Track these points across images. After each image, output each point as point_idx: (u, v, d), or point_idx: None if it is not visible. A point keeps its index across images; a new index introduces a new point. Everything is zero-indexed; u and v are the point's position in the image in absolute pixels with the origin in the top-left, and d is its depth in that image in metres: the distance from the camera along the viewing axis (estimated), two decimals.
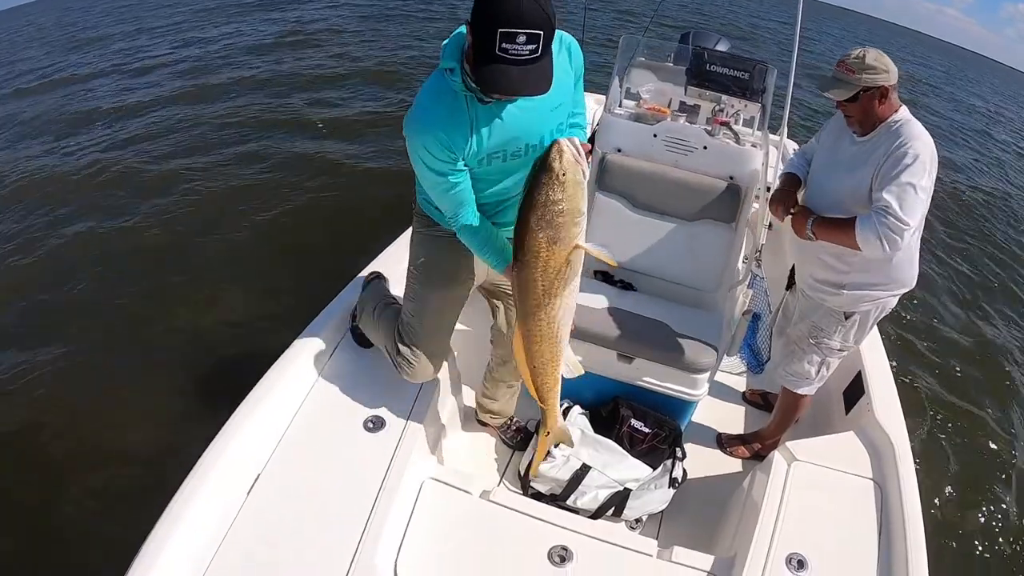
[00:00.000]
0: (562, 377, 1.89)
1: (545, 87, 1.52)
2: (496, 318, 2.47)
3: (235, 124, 8.93)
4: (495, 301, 2.43)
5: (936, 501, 3.61)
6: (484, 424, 2.82)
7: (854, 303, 2.40)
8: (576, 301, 1.77)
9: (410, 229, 2.28)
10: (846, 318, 2.45)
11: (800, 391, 2.67)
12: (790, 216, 2.39)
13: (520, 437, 2.79)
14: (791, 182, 2.56)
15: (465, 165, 1.77)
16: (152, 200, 6.66)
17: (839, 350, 2.56)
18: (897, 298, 2.43)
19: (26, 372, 4.26)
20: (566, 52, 1.77)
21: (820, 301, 2.48)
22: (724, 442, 2.94)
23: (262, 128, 8.78)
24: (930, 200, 2.13)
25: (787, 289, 2.77)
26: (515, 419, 2.84)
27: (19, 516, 3.29)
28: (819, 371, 2.60)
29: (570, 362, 1.91)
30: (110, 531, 2.55)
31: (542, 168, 1.51)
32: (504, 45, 1.42)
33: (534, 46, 1.43)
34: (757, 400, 3.33)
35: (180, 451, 2.15)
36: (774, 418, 2.87)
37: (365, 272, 2.83)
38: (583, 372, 1.93)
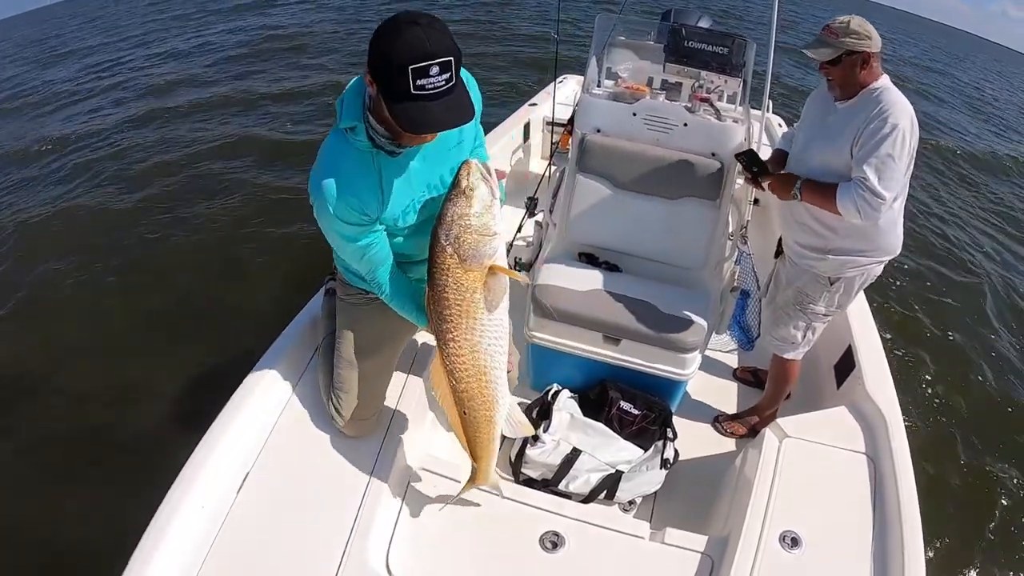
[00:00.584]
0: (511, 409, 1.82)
1: (470, 114, 1.48)
2: None
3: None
4: None
5: (930, 473, 3.60)
6: None
7: (838, 268, 2.43)
8: (506, 338, 1.71)
9: None
10: (831, 283, 2.48)
11: (787, 356, 2.68)
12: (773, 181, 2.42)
13: (499, 445, 2.71)
14: (779, 157, 2.64)
15: (380, 224, 1.74)
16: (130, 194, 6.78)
17: (824, 315, 2.57)
18: (882, 265, 2.46)
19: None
20: (469, 83, 1.70)
21: (806, 267, 2.50)
22: (720, 422, 2.93)
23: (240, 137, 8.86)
24: (912, 166, 2.16)
25: (775, 257, 2.79)
26: None
27: (4, 529, 3.27)
28: (805, 335, 2.62)
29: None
30: (99, 538, 2.53)
31: (451, 185, 1.55)
32: (419, 82, 1.37)
33: (448, 75, 1.39)
34: (748, 377, 3.32)
35: (167, 454, 2.12)
36: (767, 390, 2.88)
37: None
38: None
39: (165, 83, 12.40)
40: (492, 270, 1.58)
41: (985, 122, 14.98)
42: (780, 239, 2.71)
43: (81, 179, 7.93)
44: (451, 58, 1.38)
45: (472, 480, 1.93)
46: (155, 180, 7.53)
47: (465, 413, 1.68)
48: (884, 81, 2.23)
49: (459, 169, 1.54)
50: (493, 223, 1.55)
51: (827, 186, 2.23)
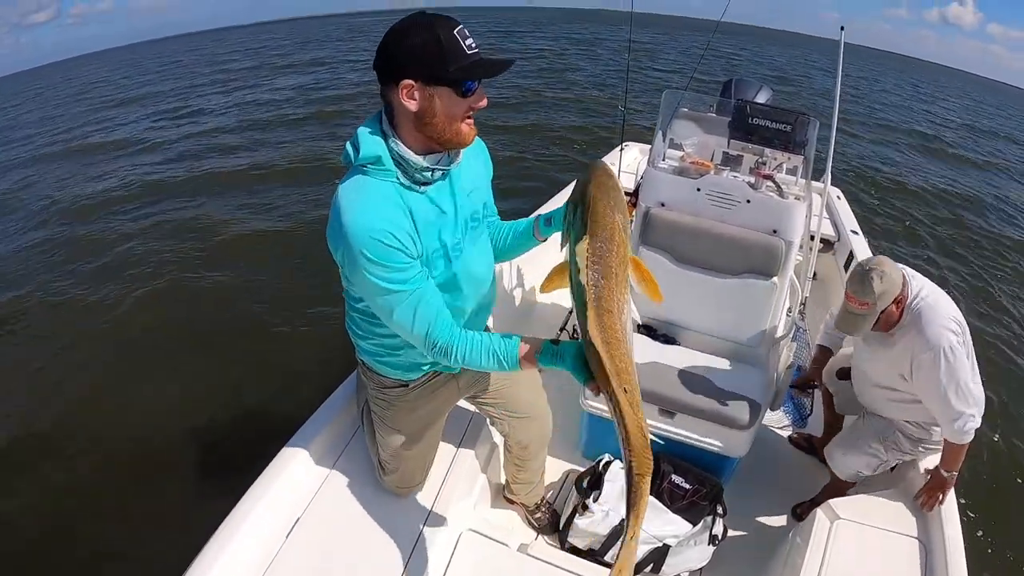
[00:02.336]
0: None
1: (510, 61, 1.47)
2: (498, 428, 2.37)
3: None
4: (486, 409, 2.29)
5: (983, 561, 3.48)
6: (511, 502, 2.71)
7: (927, 436, 2.49)
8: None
9: None
10: (915, 443, 2.52)
11: (846, 479, 2.65)
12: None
13: (548, 520, 2.69)
14: (821, 357, 2.92)
15: (421, 264, 1.56)
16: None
17: (899, 458, 2.58)
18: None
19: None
20: (479, 146, 1.75)
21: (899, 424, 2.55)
22: (800, 513, 2.86)
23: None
24: (972, 352, 2.29)
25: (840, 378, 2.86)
26: (544, 499, 2.75)
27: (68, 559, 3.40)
28: (873, 471, 2.59)
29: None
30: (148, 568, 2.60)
31: (595, 168, 1.47)
32: (467, 42, 1.39)
33: (475, 41, 1.43)
34: (802, 444, 3.29)
35: (220, 496, 2.17)
36: (826, 491, 2.80)
37: None
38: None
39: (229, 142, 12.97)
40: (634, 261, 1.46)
41: None
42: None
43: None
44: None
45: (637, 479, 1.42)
46: (232, 247, 7.77)
47: (626, 391, 1.39)
48: (913, 289, 2.31)
49: (592, 163, 1.50)
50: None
51: (955, 451, 2.31)
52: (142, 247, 7.75)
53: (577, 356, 1.48)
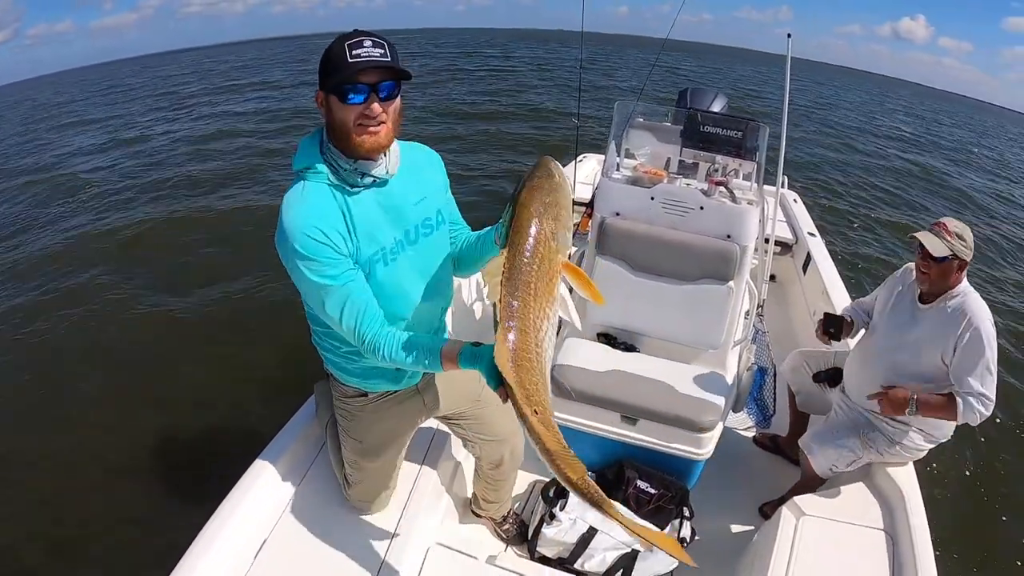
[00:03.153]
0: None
1: (406, 72, 1.50)
2: (470, 449, 2.37)
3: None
4: (457, 431, 2.31)
5: (949, 550, 3.55)
6: (478, 516, 2.69)
7: (905, 437, 2.55)
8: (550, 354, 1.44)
9: None
10: (892, 443, 2.56)
11: (821, 474, 2.69)
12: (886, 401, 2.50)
13: (516, 531, 2.69)
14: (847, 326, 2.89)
15: (354, 263, 1.61)
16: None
17: (874, 458, 2.63)
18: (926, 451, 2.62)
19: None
20: (434, 157, 1.82)
21: (872, 421, 2.62)
22: (767, 511, 2.89)
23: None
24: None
25: (830, 386, 2.91)
26: (511, 510, 2.75)
27: None
28: (848, 466, 2.63)
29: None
30: None
31: (537, 166, 1.45)
32: (355, 51, 1.43)
33: (382, 51, 1.45)
34: (766, 443, 3.35)
35: (187, 515, 2.17)
36: (797, 488, 2.83)
37: None
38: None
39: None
40: (567, 267, 1.42)
41: None
42: (836, 373, 2.87)
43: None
44: (385, 41, 1.46)
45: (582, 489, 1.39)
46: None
47: (536, 412, 1.36)
48: (966, 285, 2.41)
49: (538, 160, 1.46)
50: (571, 222, 1.44)
51: (943, 400, 2.36)
52: (94, 264, 7.72)
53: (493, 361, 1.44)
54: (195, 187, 10.84)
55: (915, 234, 2.41)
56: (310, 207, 1.53)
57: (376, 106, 1.48)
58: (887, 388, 2.43)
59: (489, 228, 1.89)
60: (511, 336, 1.32)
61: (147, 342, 5.77)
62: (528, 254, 1.35)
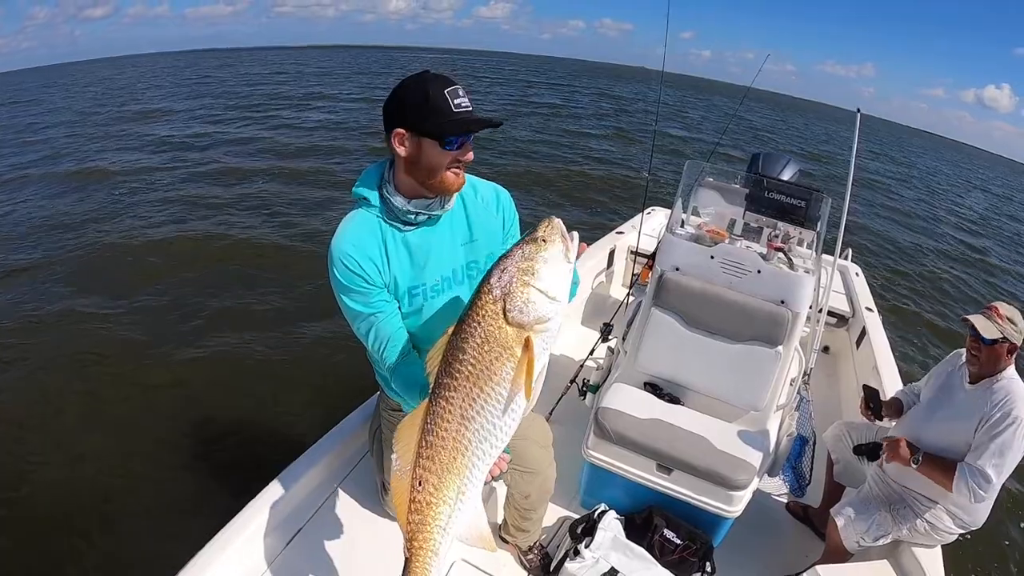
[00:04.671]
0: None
1: (499, 123, 1.65)
2: (503, 478, 2.32)
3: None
4: None
5: None
6: (505, 542, 2.75)
7: (935, 517, 2.54)
8: (507, 435, 1.31)
9: None
10: (922, 522, 2.57)
11: (849, 548, 2.68)
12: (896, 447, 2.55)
13: (540, 562, 2.76)
14: (895, 405, 2.97)
15: (389, 292, 1.73)
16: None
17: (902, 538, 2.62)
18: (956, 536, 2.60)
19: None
20: (493, 198, 1.89)
21: (905, 499, 2.63)
22: None
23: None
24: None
25: (870, 460, 2.89)
26: (538, 543, 2.80)
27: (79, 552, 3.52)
28: (876, 540, 2.63)
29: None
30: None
31: (525, 234, 1.34)
32: (456, 101, 1.54)
33: (468, 100, 1.58)
34: (798, 512, 3.34)
35: (232, 502, 2.27)
36: (823, 559, 2.82)
37: None
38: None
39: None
40: (528, 344, 1.25)
41: None
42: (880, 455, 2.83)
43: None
44: (459, 86, 1.58)
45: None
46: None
47: (420, 486, 1.27)
48: (1012, 371, 2.44)
49: (540, 222, 1.32)
50: (558, 287, 1.27)
51: (945, 464, 2.39)
52: (160, 259, 8.09)
53: None
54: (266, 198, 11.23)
55: (967, 316, 2.47)
56: (351, 236, 1.67)
57: (471, 153, 1.64)
58: (892, 442, 2.49)
59: None
60: (434, 408, 1.27)
61: (214, 346, 6.03)
62: (464, 335, 1.26)
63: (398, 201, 1.68)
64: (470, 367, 1.24)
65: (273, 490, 2.21)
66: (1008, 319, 2.38)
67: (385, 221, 1.70)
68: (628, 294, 4.24)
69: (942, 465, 2.39)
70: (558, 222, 1.32)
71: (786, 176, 4.01)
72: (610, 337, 3.84)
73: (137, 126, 18.27)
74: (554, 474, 2.48)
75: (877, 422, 2.87)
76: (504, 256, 1.29)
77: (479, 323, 1.24)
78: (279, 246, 8.69)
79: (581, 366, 3.76)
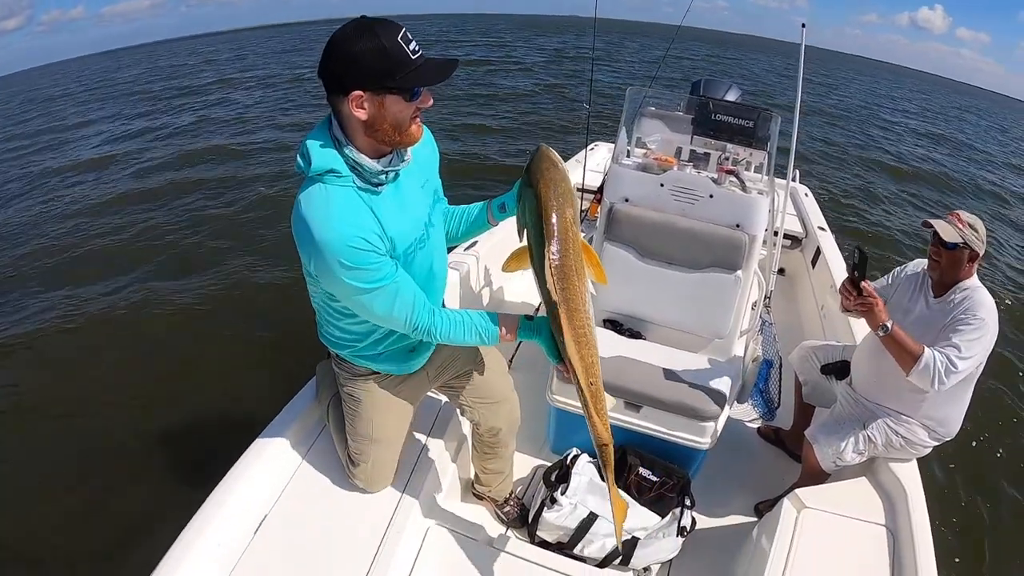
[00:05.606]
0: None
1: (457, 62, 1.52)
2: (468, 416, 2.35)
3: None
4: (455, 399, 2.31)
5: (949, 547, 3.54)
6: (479, 497, 2.72)
7: (909, 432, 2.52)
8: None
9: None
10: (896, 436, 2.53)
11: (825, 467, 2.65)
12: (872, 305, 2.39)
13: (517, 514, 2.69)
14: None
15: (391, 259, 1.62)
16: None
17: (878, 453, 2.60)
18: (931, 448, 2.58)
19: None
20: (425, 135, 1.75)
21: (877, 414, 2.58)
22: (761, 511, 2.85)
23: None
24: (983, 365, 2.34)
25: (837, 379, 2.88)
26: (513, 494, 2.75)
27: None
28: (852, 459, 2.60)
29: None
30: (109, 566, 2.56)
31: (541, 157, 1.54)
32: (411, 47, 1.41)
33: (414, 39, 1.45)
34: (770, 435, 3.34)
35: (188, 494, 2.17)
36: (799, 482, 2.79)
37: None
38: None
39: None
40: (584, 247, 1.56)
41: None
42: (842, 367, 2.84)
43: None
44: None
45: (603, 453, 1.78)
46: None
47: (591, 384, 1.61)
48: (975, 281, 2.40)
49: (536, 150, 1.56)
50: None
51: (914, 345, 2.30)
52: (117, 241, 7.86)
53: (551, 333, 1.63)
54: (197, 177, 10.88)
55: (929, 220, 2.41)
56: (345, 217, 1.49)
57: (431, 99, 1.51)
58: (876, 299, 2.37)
59: (477, 205, 1.96)
60: (573, 318, 1.52)
61: (150, 326, 5.82)
62: (564, 243, 1.49)
63: (368, 164, 1.53)
64: (578, 274, 1.52)
65: (231, 481, 2.09)
66: (969, 225, 2.34)
67: (359, 189, 1.55)
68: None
69: (910, 343, 2.30)
70: (547, 148, 1.56)
71: (729, 100, 3.93)
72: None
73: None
74: (518, 403, 2.41)
75: (843, 339, 2.77)
76: (545, 178, 1.51)
77: (571, 235, 1.51)
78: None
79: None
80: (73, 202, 9.97)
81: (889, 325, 2.30)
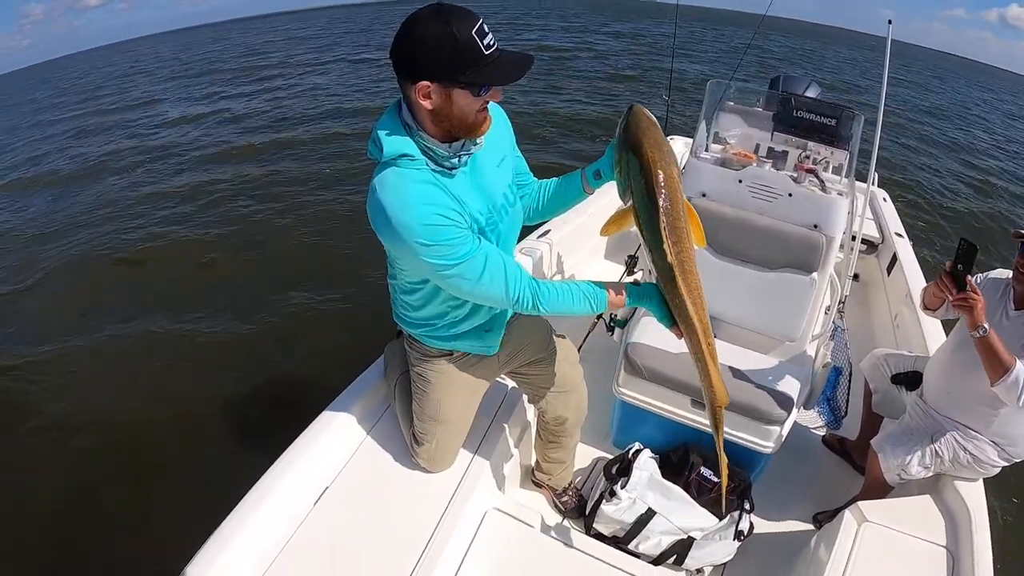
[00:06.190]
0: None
1: (529, 56, 1.48)
2: (535, 404, 2.38)
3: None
4: (525, 386, 2.33)
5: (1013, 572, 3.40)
6: (539, 485, 2.73)
7: (977, 450, 2.42)
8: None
9: None
10: (964, 453, 2.44)
11: (889, 480, 2.56)
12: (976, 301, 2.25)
13: (575, 504, 2.70)
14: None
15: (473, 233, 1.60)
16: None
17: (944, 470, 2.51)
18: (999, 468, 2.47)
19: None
20: (497, 111, 1.73)
21: (946, 428, 2.49)
22: (820, 521, 2.80)
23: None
24: None
25: (909, 389, 2.79)
26: (572, 484, 2.76)
27: (83, 515, 3.54)
28: (917, 472, 2.50)
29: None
30: (174, 530, 2.64)
31: (636, 115, 1.55)
32: (485, 42, 1.37)
33: (491, 33, 1.40)
34: (834, 444, 3.26)
35: (253, 464, 2.20)
36: (862, 495, 2.71)
37: None
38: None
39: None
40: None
41: None
42: (914, 377, 2.75)
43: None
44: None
45: (716, 409, 1.76)
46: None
47: (709, 344, 1.59)
48: None
49: (631, 111, 1.58)
50: None
51: (1008, 354, 2.19)
52: (169, 218, 8.11)
53: (662, 298, 1.61)
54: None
55: (1020, 231, 2.29)
56: (422, 196, 1.48)
57: (500, 94, 1.50)
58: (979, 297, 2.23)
59: (571, 174, 1.91)
60: (689, 280, 1.52)
61: (218, 305, 5.99)
62: (675, 203, 1.48)
63: (440, 149, 1.52)
64: (686, 232, 1.51)
65: (295, 452, 2.13)
66: None
67: (434, 171, 1.54)
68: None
69: (1003, 350, 2.18)
70: (641, 107, 1.59)
71: (810, 96, 3.81)
72: (635, 270, 3.71)
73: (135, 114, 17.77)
74: (586, 394, 2.41)
75: (915, 350, 2.65)
76: (648, 139, 1.50)
77: (679, 195, 1.50)
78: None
79: (627, 269, 3.67)
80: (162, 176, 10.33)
81: (987, 327, 2.17)
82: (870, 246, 4.69)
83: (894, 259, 4.40)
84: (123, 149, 12.58)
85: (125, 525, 3.50)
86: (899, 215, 5.14)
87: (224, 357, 5.01)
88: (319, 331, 5.34)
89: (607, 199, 4.51)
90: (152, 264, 7.06)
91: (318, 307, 5.80)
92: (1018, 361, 2.16)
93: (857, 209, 3.17)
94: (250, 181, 9.63)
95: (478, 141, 1.59)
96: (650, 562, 2.41)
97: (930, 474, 2.50)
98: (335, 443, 2.24)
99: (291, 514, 2.01)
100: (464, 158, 1.58)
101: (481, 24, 1.36)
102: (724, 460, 1.84)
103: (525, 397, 2.54)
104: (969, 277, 2.19)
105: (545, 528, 2.27)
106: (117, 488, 3.77)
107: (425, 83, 1.39)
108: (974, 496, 2.37)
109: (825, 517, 2.72)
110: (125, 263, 7.17)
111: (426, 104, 1.43)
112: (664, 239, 1.48)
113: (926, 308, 2.63)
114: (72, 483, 3.81)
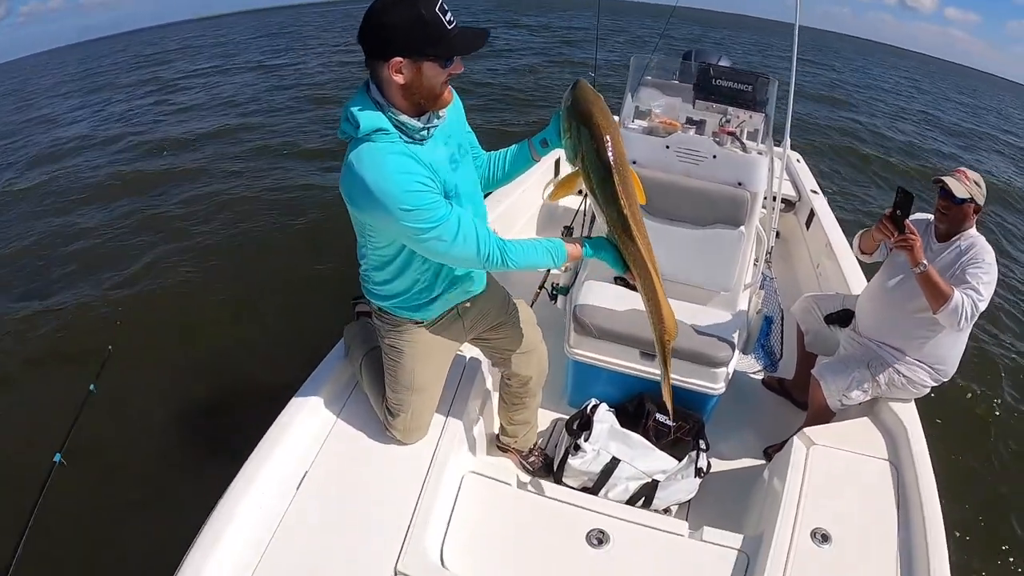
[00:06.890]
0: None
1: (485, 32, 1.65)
2: (499, 366, 2.51)
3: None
4: (487, 351, 2.47)
5: (949, 477, 3.72)
6: (504, 449, 2.83)
7: (911, 372, 2.69)
8: None
9: None
10: (899, 376, 2.71)
11: (832, 406, 2.79)
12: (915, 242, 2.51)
13: (541, 463, 2.82)
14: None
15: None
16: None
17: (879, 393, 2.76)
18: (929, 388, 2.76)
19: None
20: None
21: (885, 357, 2.75)
22: (770, 454, 2.99)
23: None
24: None
25: (841, 326, 3.04)
26: (536, 445, 2.87)
27: (62, 520, 3.43)
28: (857, 396, 2.74)
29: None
30: (155, 540, 2.63)
31: (582, 89, 1.75)
32: (447, 17, 1.53)
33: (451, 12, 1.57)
34: (774, 385, 3.50)
35: (228, 454, 2.26)
36: (807, 421, 2.93)
37: None
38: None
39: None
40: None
41: None
42: (845, 315, 3.01)
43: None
44: None
45: (665, 342, 2.09)
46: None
47: (662, 283, 1.92)
48: (975, 231, 2.59)
49: (576, 84, 1.78)
50: None
51: (947, 286, 2.44)
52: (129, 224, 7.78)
53: (615, 248, 1.88)
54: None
55: (940, 176, 2.57)
56: (399, 166, 1.61)
57: (462, 66, 1.66)
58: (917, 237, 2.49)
59: (516, 145, 2.07)
60: (641, 229, 1.79)
61: (178, 301, 5.85)
62: (624, 165, 1.71)
63: (411, 122, 1.66)
64: (636, 194, 1.76)
65: (269, 442, 2.18)
66: (974, 182, 2.53)
67: (406, 143, 1.67)
68: (585, 197, 4.19)
69: (944, 283, 2.44)
70: (585, 82, 1.78)
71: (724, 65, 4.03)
72: (572, 240, 3.84)
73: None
74: (546, 351, 2.55)
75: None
76: (599, 112, 1.70)
77: (626, 162, 1.73)
78: None
79: (548, 272, 3.80)
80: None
81: (926, 263, 2.45)
82: (788, 204, 4.97)
83: (811, 214, 4.69)
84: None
85: (87, 539, 3.42)
86: (812, 173, 5.46)
87: (175, 362, 4.86)
88: (272, 326, 5.28)
89: (534, 178, 4.67)
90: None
91: (268, 301, 5.69)
92: (955, 290, 2.42)
93: (775, 170, 3.40)
94: (187, 195, 9.36)
95: (441, 114, 1.74)
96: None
97: (868, 398, 2.75)
98: (307, 429, 2.30)
99: (275, 504, 2.06)
100: (432, 130, 1.72)
101: (442, 2, 1.53)
102: (669, 390, 2.21)
103: (484, 367, 2.67)
104: (907, 220, 2.47)
105: (521, 484, 2.38)
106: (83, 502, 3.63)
107: (398, 59, 1.53)
108: (908, 414, 2.62)
109: (774, 449, 2.92)
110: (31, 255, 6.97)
111: (398, 79, 1.57)
112: (620, 196, 1.71)
113: (862, 252, 2.94)
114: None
